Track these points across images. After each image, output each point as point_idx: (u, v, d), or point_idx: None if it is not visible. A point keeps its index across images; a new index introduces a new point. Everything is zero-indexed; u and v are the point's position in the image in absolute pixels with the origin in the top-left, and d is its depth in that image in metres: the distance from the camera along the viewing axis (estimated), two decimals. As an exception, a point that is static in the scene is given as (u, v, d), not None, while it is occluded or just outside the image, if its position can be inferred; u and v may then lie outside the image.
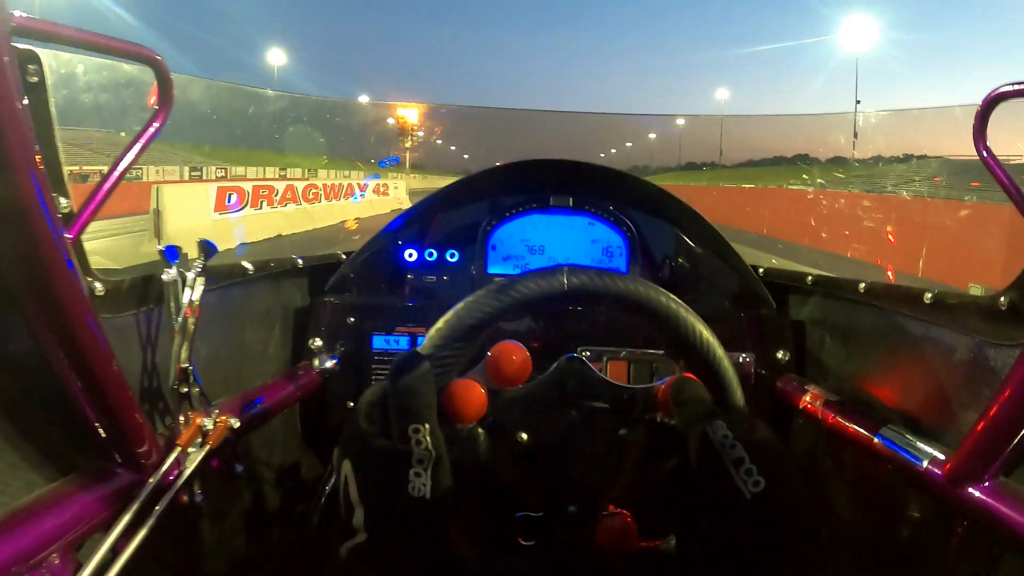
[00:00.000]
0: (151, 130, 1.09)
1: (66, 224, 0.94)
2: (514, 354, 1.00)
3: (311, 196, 16.69)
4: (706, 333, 0.97)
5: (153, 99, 1.09)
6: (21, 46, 0.88)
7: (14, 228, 0.70)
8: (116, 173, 1.03)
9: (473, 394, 0.97)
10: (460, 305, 0.96)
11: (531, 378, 1.02)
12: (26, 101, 0.70)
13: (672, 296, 0.98)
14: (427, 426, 0.89)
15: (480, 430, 0.99)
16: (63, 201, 0.94)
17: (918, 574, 1.16)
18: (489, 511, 1.07)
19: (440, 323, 0.96)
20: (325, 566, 1.27)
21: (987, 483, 0.97)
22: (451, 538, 0.97)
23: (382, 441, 0.89)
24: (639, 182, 1.81)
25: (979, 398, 1.08)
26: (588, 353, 1.53)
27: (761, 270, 1.78)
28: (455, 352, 0.95)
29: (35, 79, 0.89)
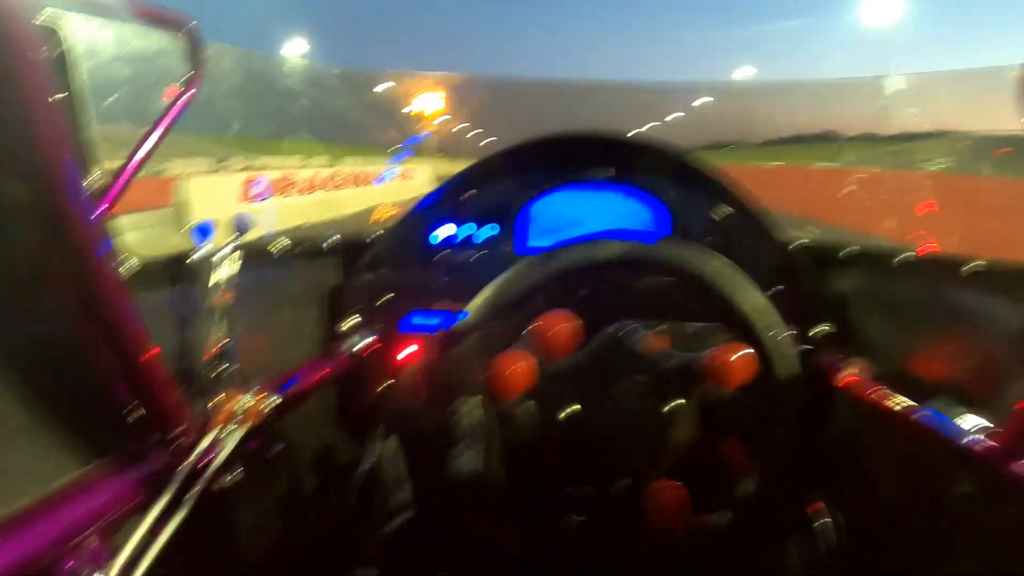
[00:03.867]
0: (184, 99, 1.07)
1: (99, 197, 0.93)
2: (562, 324, 0.97)
3: (338, 183, 16.76)
4: (758, 298, 0.95)
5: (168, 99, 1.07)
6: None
7: (45, 212, 0.69)
8: (149, 144, 1.02)
9: (520, 367, 0.94)
10: (502, 277, 0.94)
11: (577, 349, 1.00)
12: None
13: (723, 259, 0.96)
14: (475, 400, 0.87)
15: (528, 404, 0.97)
16: (96, 174, 0.92)
17: (967, 551, 1.12)
18: (537, 487, 1.05)
19: (483, 295, 0.94)
20: (363, 546, 1.26)
21: None
22: (500, 525, 0.95)
23: (431, 416, 0.87)
24: (678, 154, 1.77)
25: None
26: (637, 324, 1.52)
27: (801, 243, 1.74)
28: (500, 325, 0.94)
29: (56, 52, 0.88)
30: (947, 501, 1.16)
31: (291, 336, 1.56)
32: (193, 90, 1.07)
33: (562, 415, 0.96)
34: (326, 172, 16.71)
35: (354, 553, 1.21)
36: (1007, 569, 1.01)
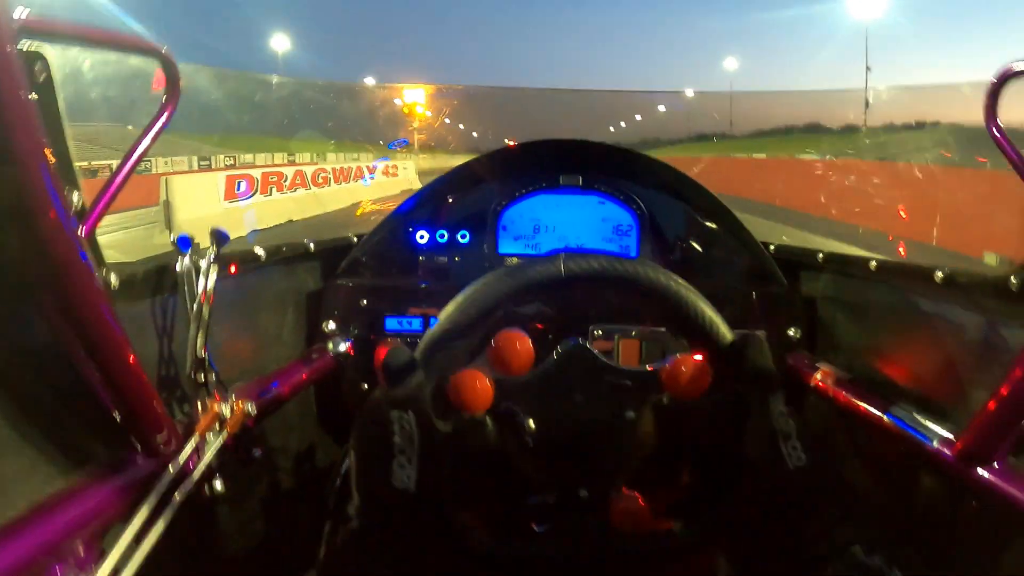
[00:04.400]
0: (160, 122, 1.09)
1: (80, 219, 0.96)
2: (517, 343, 1.01)
3: (320, 180, 16.58)
4: (709, 312, 0.98)
5: (159, 89, 1.09)
6: (27, 45, 0.89)
7: (28, 224, 0.71)
8: (127, 167, 1.04)
9: (479, 384, 0.98)
10: (460, 296, 0.97)
11: (536, 364, 1.03)
12: (34, 98, 0.71)
13: (672, 275, 0.99)
14: (410, 414, 0.90)
15: (488, 419, 1.01)
16: (75, 196, 0.95)
17: (928, 552, 1.16)
18: (502, 498, 1.08)
19: (441, 315, 0.97)
20: (336, 548, 1.29)
21: (997, 463, 0.98)
22: (460, 526, 0.98)
23: (374, 430, 0.90)
24: (649, 160, 1.82)
25: (990, 377, 1.07)
26: (600, 332, 1.54)
27: (772, 247, 1.78)
28: (458, 342, 0.97)
29: (42, 77, 0.90)
30: (909, 502, 1.21)
31: (271, 341, 1.59)
32: (168, 112, 1.10)
33: (522, 428, 1.00)
34: (310, 169, 16.54)
35: (332, 554, 1.24)
36: (967, 566, 1.05)
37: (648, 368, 1.04)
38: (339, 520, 1.29)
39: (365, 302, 1.70)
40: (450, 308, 0.97)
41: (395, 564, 0.83)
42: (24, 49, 0.87)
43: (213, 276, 1.15)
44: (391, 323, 1.69)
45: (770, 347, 0.96)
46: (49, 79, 0.90)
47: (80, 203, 0.96)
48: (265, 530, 1.44)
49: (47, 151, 0.71)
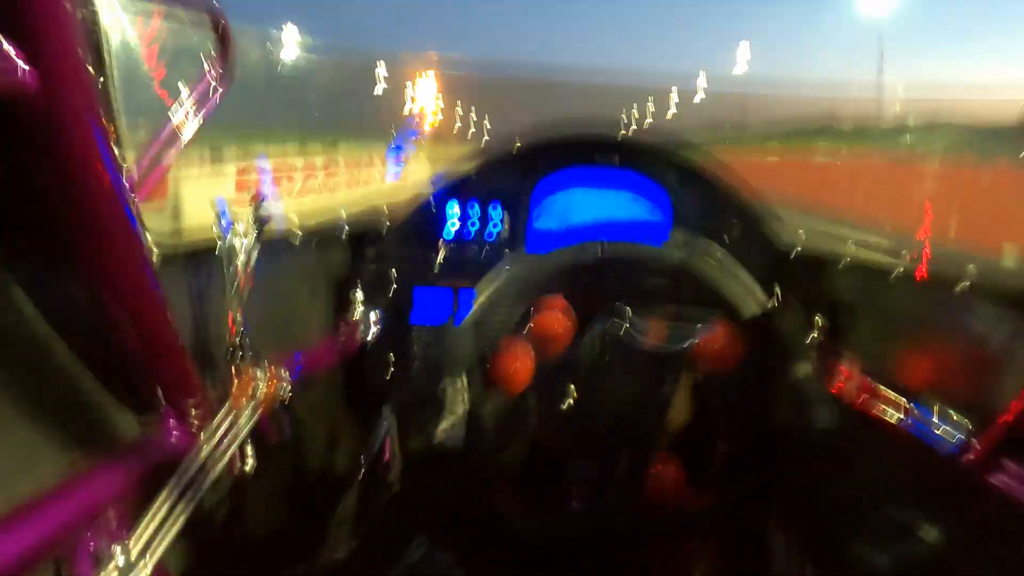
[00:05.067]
0: (215, 95, 1.09)
1: (131, 185, 0.96)
2: (557, 322, 1.05)
3: (332, 187, 16.11)
4: (745, 280, 0.99)
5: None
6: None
7: (83, 189, 0.72)
8: (181, 136, 1.04)
9: (520, 360, 1.02)
10: (501, 274, 0.98)
11: (574, 341, 1.04)
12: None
13: (705, 246, 0.99)
14: (463, 379, 0.91)
15: (528, 396, 1.03)
16: (127, 162, 0.95)
17: (946, 553, 1.16)
18: (542, 474, 1.08)
19: (483, 291, 0.98)
20: (366, 520, 1.30)
21: (1015, 467, 0.98)
22: (506, 502, 0.99)
23: (420, 394, 0.92)
24: (680, 151, 1.81)
25: (1010, 383, 1.08)
26: (630, 312, 1.55)
27: (799, 246, 1.78)
28: (499, 318, 0.96)
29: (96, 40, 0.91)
30: (928, 503, 1.21)
31: (304, 318, 1.60)
32: (223, 86, 1.10)
33: (560, 405, 1.04)
34: (321, 169, 16.12)
35: (372, 520, 1.25)
36: (982, 566, 1.05)
37: (682, 346, 1.05)
38: (377, 487, 1.30)
39: (396, 277, 1.70)
40: (494, 283, 0.98)
41: (437, 531, 0.83)
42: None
43: (254, 253, 1.16)
44: (421, 295, 1.69)
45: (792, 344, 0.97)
46: (100, 47, 0.91)
47: (132, 171, 0.96)
48: (297, 502, 1.45)
49: (103, 113, 0.72)
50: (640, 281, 1.64)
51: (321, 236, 1.65)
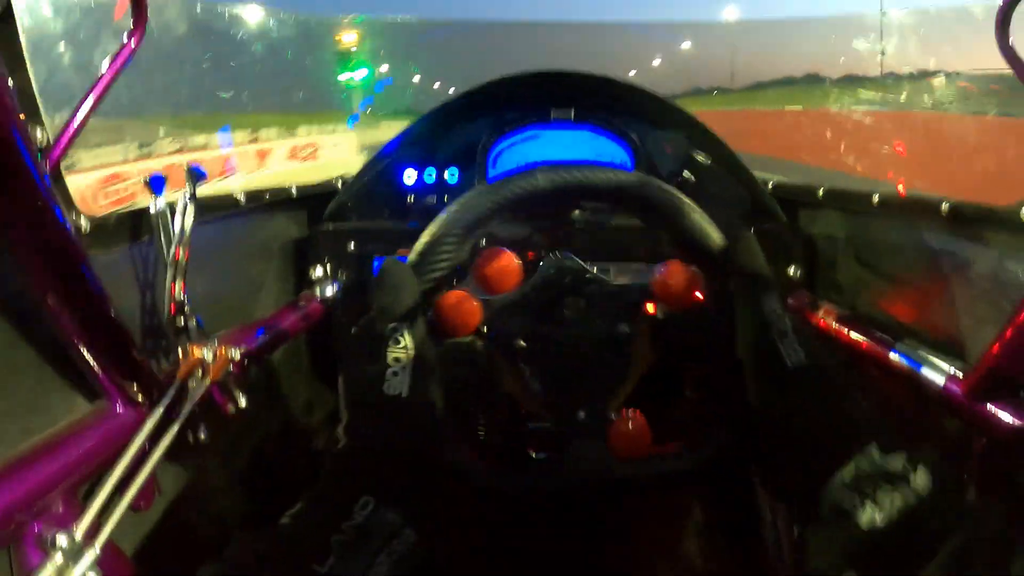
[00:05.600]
0: (126, 52, 1.03)
1: (47, 154, 0.91)
2: (500, 259, 1.00)
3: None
4: (698, 218, 0.97)
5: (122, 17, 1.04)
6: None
7: None
8: (90, 101, 0.99)
9: (465, 305, 0.97)
10: (443, 214, 0.95)
11: (524, 280, 1.01)
12: None
13: (656, 181, 0.97)
14: (406, 327, 0.89)
15: (477, 341, 0.99)
16: (39, 133, 0.90)
17: (937, 490, 1.15)
18: (498, 426, 1.06)
19: (425, 232, 0.96)
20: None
21: (1006, 400, 0.95)
22: (457, 453, 0.97)
23: (367, 344, 0.89)
24: (644, 93, 1.76)
25: (998, 313, 1.04)
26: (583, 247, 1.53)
27: (770, 184, 1.74)
28: (442, 260, 0.95)
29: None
30: (917, 441, 1.17)
31: (255, 289, 1.56)
32: (134, 41, 1.03)
33: (511, 349, 0.98)
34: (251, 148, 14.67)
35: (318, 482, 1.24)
36: (976, 499, 1.03)
37: (640, 283, 1.02)
38: (328, 453, 1.27)
39: (353, 246, 1.66)
40: (436, 222, 0.96)
41: (384, 487, 0.81)
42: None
43: (190, 217, 1.11)
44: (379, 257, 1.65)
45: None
46: (8, 5, 0.85)
47: (45, 140, 0.91)
48: (254, 477, 1.43)
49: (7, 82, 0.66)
50: (595, 214, 1.60)
51: (271, 200, 1.60)
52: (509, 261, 1.00)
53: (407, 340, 0.87)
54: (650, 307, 1.03)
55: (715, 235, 0.97)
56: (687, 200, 0.98)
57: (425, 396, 0.86)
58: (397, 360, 0.86)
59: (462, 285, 1.03)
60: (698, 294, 1.01)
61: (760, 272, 0.94)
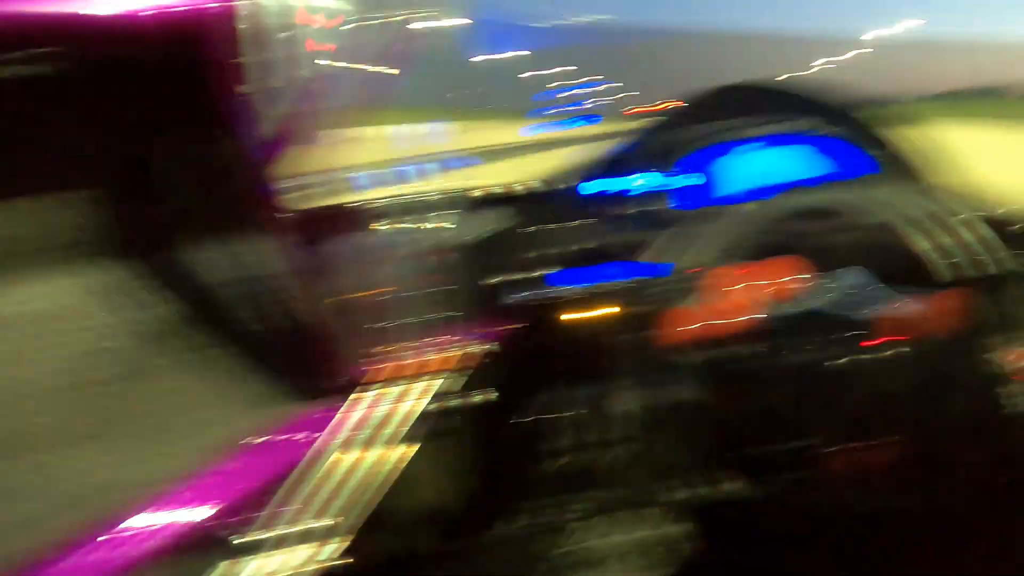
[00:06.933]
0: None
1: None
2: (739, 282, 0.99)
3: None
4: (967, 239, 0.94)
5: None
6: None
7: (238, 159, 0.70)
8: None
9: (696, 323, 0.96)
10: (729, 218, 0.99)
11: (774, 303, 1.00)
12: None
13: (923, 205, 0.93)
14: (644, 336, 0.93)
15: (704, 361, 0.98)
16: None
17: None
18: (717, 445, 1.04)
19: (667, 253, 1.00)
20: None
21: None
22: (674, 475, 0.99)
23: (623, 351, 0.95)
24: (874, 111, 1.66)
25: None
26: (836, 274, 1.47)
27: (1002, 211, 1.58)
28: (680, 282, 0.98)
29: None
30: None
31: (467, 288, 1.55)
32: None
33: (738, 372, 0.97)
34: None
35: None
36: None
37: (879, 313, 0.99)
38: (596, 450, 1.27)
39: (563, 248, 1.61)
40: (723, 225, 1.00)
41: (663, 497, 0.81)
42: None
43: (400, 215, 1.10)
44: (587, 274, 1.59)
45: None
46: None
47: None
48: (450, 476, 1.42)
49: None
50: (844, 238, 1.53)
51: (475, 200, 1.61)
52: (746, 286, 0.99)
53: (648, 351, 0.91)
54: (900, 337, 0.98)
55: (984, 266, 0.90)
56: (955, 229, 0.92)
57: (705, 404, 0.90)
58: (684, 365, 0.89)
59: (695, 302, 1.01)
60: (948, 328, 0.96)
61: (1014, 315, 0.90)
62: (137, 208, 0.76)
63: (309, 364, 0.91)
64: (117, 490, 0.70)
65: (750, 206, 0.98)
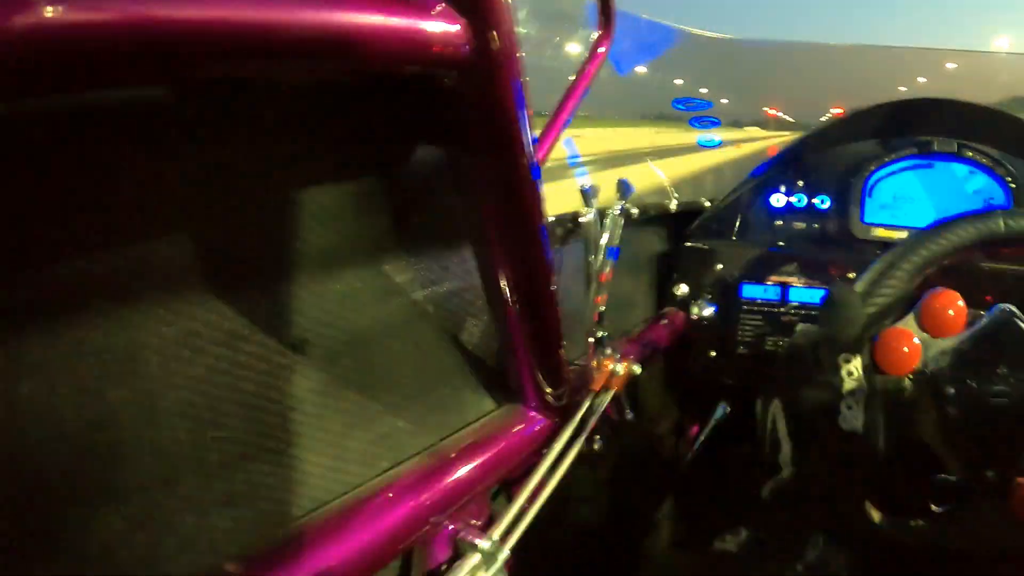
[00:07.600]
0: (599, 57, 1.04)
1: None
2: (952, 304, 0.94)
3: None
4: None
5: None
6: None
7: (496, 166, 0.68)
8: (567, 108, 1.01)
9: (906, 343, 0.92)
10: (899, 245, 0.94)
11: (967, 328, 0.95)
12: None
13: None
14: (859, 358, 0.87)
15: (908, 382, 0.94)
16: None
17: None
18: (904, 469, 1.00)
19: (878, 262, 0.94)
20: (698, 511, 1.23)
21: None
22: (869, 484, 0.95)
23: (814, 377, 0.88)
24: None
25: None
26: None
27: None
28: (889, 291, 0.93)
29: None
30: None
31: (627, 301, 1.56)
32: (604, 48, 1.04)
33: (941, 396, 0.93)
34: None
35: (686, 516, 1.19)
36: None
37: None
38: (701, 478, 1.23)
39: (719, 267, 1.62)
40: (891, 252, 0.95)
41: (836, 526, 0.77)
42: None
43: (618, 230, 1.11)
44: (747, 290, 1.59)
45: None
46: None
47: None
48: (624, 484, 1.44)
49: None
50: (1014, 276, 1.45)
51: (651, 215, 1.60)
52: (958, 308, 0.95)
53: (858, 372, 0.83)
54: None
55: None
56: None
57: (877, 433, 0.83)
58: (851, 393, 0.83)
59: (903, 321, 0.97)
60: None
61: None
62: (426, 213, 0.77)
63: (533, 367, 0.91)
64: (350, 486, 0.71)
65: (938, 230, 0.93)
